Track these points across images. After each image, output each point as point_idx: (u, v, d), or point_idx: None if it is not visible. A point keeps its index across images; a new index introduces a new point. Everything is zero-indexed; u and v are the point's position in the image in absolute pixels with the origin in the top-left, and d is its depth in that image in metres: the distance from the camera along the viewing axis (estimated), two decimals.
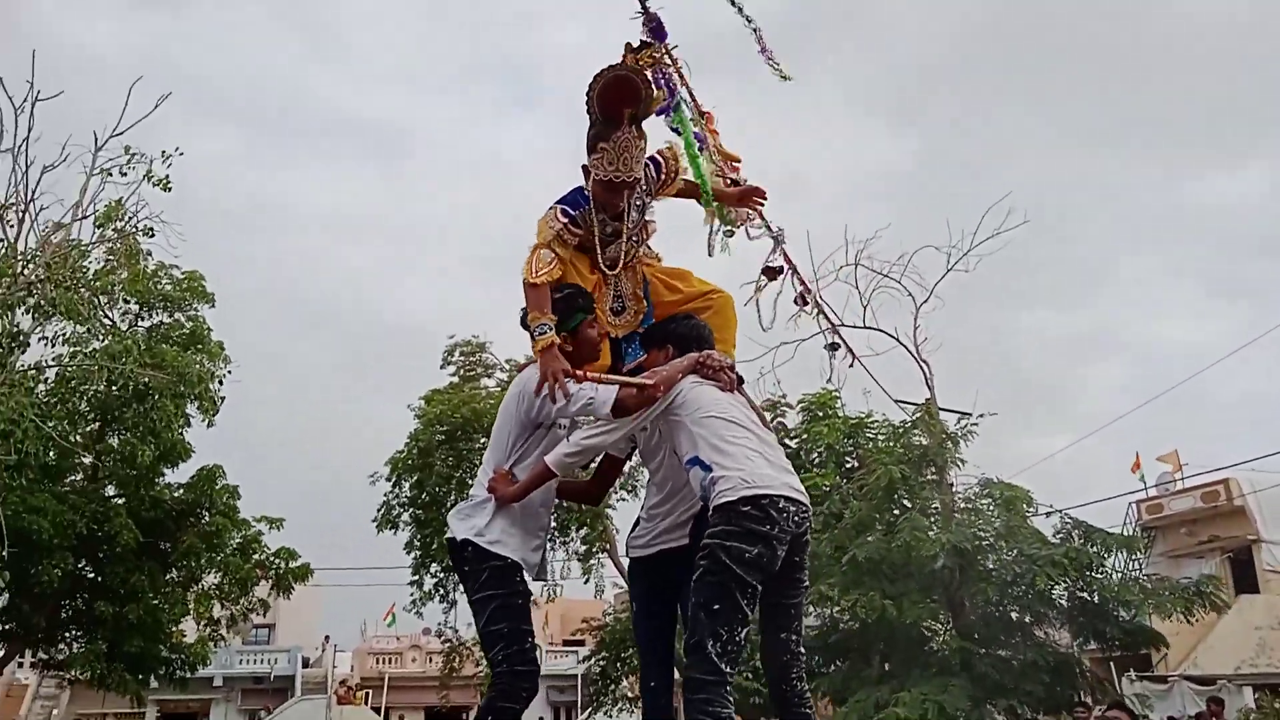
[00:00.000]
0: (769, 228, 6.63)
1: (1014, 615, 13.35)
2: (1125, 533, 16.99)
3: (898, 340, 15.53)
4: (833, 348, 7.50)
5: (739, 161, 4.80)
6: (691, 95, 4.59)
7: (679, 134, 4.09)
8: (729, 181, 4.36)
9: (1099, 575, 12.66)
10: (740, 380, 3.57)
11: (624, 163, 3.33)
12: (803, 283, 7.62)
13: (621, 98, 3.30)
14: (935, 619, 13.34)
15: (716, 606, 3.08)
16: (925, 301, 15.71)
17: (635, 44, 3.77)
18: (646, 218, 3.74)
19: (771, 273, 5.10)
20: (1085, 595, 12.84)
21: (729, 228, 5.25)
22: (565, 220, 3.45)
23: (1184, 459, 26.22)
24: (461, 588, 3.65)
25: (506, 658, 3.26)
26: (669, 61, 4.11)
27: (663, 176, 3.64)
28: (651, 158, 3.57)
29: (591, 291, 3.61)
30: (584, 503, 4.19)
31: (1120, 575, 13.44)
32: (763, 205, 4.27)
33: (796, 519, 3.21)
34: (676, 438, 3.34)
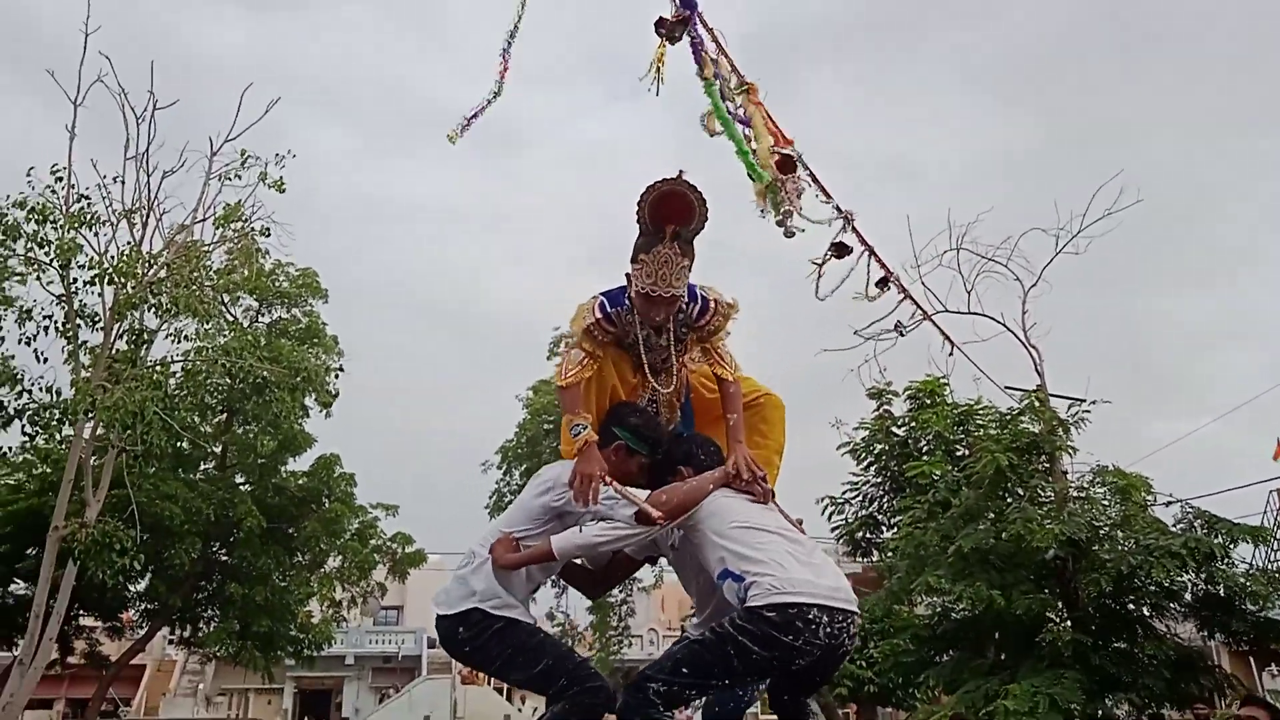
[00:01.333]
0: (837, 208, 6.48)
1: (1130, 607, 12.74)
2: (1265, 522, 16.01)
3: (1004, 326, 15.01)
4: (901, 332, 7.31)
5: (790, 142, 4.67)
6: (733, 66, 4.46)
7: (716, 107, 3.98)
8: (776, 158, 4.23)
9: (1223, 566, 11.95)
10: (771, 494, 3.39)
11: (661, 278, 3.19)
12: (883, 265, 7.44)
13: (670, 213, 3.20)
14: (1047, 610, 12.83)
15: (686, 670, 2.98)
16: (1033, 286, 15.15)
17: (667, 16, 3.72)
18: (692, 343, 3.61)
19: (841, 249, 4.98)
20: (1212, 588, 12.15)
21: (783, 210, 5.13)
22: (600, 316, 3.36)
23: None
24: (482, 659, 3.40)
25: (570, 679, 3.11)
26: (704, 30, 4.00)
27: (705, 320, 3.44)
28: (705, 298, 3.43)
29: (632, 393, 3.56)
30: (582, 592, 3.94)
31: (1247, 566, 12.65)
32: (796, 179, 4.06)
33: (830, 630, 2.95)
34: (703, 554, 3.17)
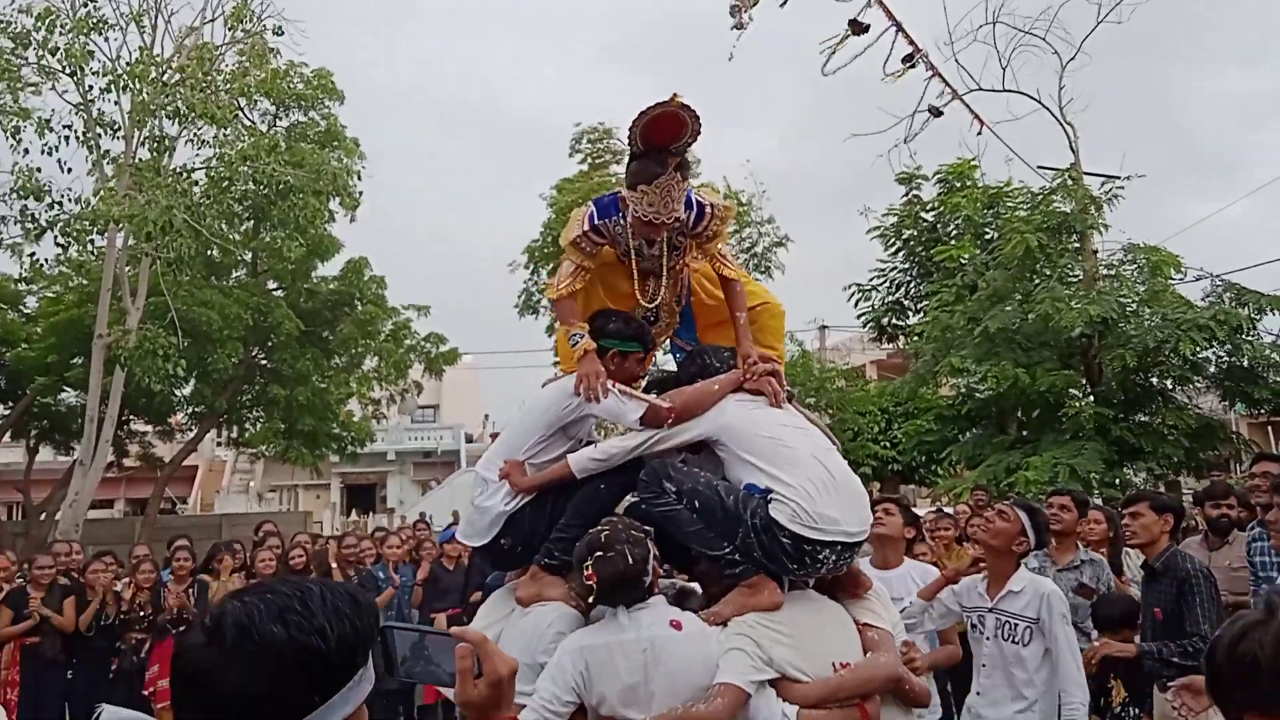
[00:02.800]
0: None
1: (1155, 381, 12.97)
2: None
3: (1040, 103, 14.57)
4: (936, 113, 7.14)
5: None
6: None
7: None
8: None
9: (1249, 338, 12.06)
10: (790, 395, 3.26)
11: (664, 205, 3.11)
12: (911, 41, 7.18)
13: (665, 134, 3.09)
14: (1072, 386, 13.10)
15: (698, 504, 2.90)
16: (1072, 59, 14.58)
17: None
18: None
19: (857, 27, 4.83)
20: (1233, 359, 12.31)
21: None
22: (588, 227, 3.27)
23: None
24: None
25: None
26: None
27: (703, 226, 3.32)
28: (701, 204, 3.29)
29: (626, 303, 3.44)
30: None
31: (1273, 338, 12.76)
32: None
33: (834, 563, 2.91)
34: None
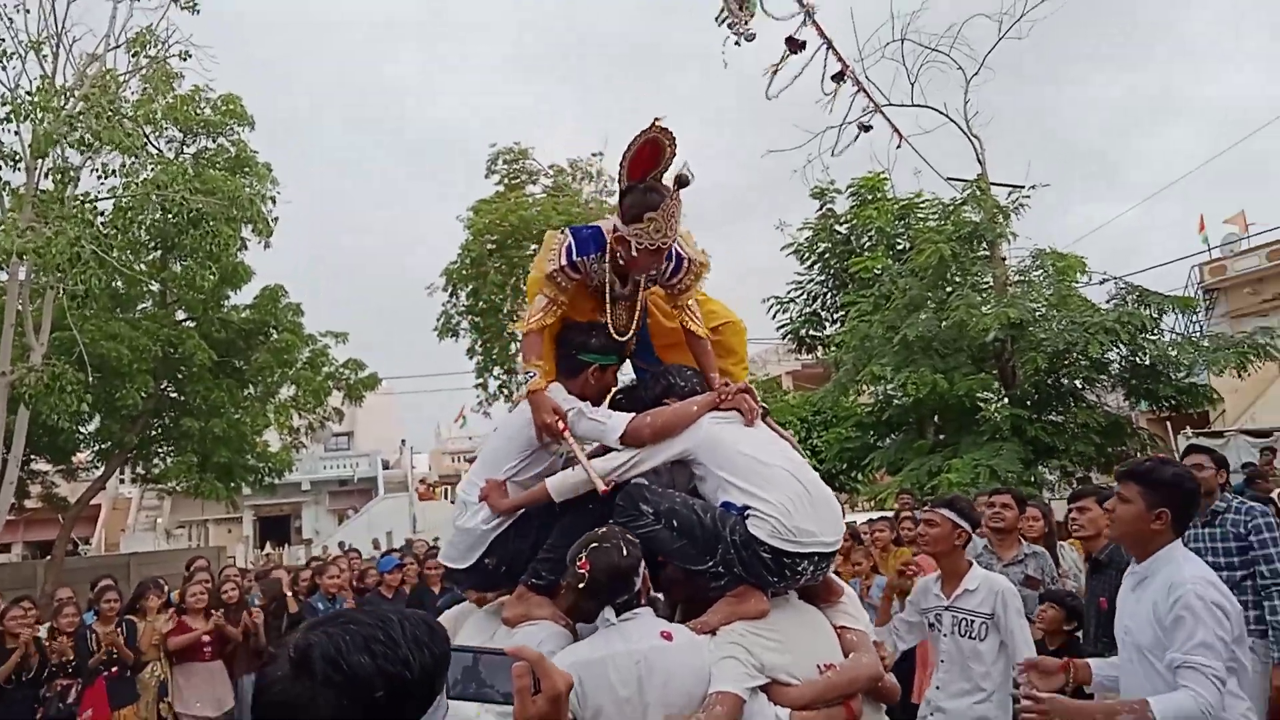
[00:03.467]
0: (799, 2, 6.35)
1: (1065, 381, 13.49)
2: (1185, 294, 16.80)
3: (947, 117, 15.11)
4: (865, 128, 7.35)
5: None
6: None
7: None
8: None
9: (1153, 338, 12.65)
10: (765, 411, 3.32)
11: (670, 227, 3.10)
12: (840, 59, 7.38)
13: (651, 161, 3.11)
14: (987, 390, 13.54)
15: (676, 524, 2.95)
16: (976, 74, 15.18)
17: None
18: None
19: (794, 45, 4.95)
20: (1137, 359, 12.89)
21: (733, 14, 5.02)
22: (565, 263, 3.24)
23: (1250, 220, 25.51)
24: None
25: None
26: None
27: (677, 279, 3.34)
28: (680, 256, 3.29)
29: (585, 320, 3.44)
30: None
31: (1174, 336, 13.40)
32: None
33: (811, 575, 3.00)
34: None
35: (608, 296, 3.32)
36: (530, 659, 1.54)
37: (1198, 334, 14.76)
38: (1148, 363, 12.69)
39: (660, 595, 3.17)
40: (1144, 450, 13.52)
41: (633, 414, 3.17)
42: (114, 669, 7.33)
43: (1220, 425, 19.66)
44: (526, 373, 3.27)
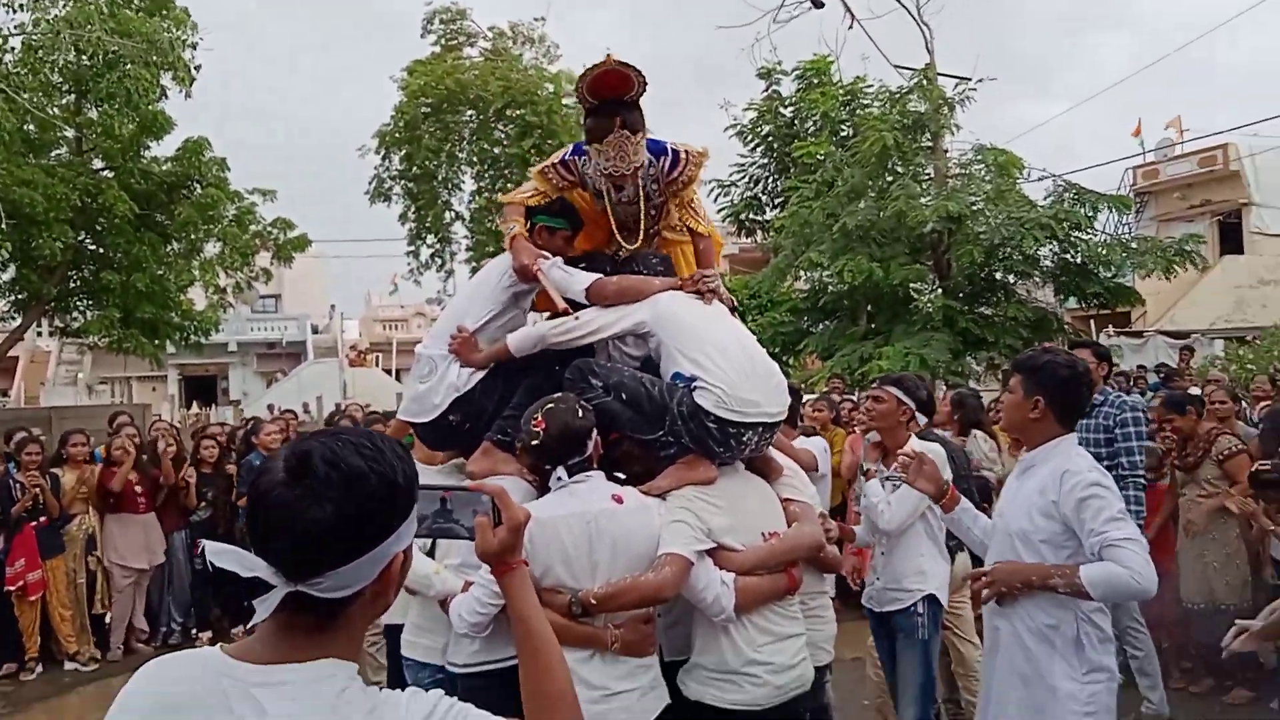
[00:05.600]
0: None
1: (998, 276, 13.75)
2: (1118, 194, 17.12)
3: (899, 2, 14.84)
4: (818, 4, 7.19)
5: None
6: None
7: None
8: None
9: (1086, 236, 12.90)
10: (733, 307, 3.41)
11: (620, 158, 3.20)
12: None
13: (606, 90, 3.15)
14: (922, 280, 13.74)
15: (625, 396, 3.00)
16: None
17: None
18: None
19: None
20: (1069, 256, 13.16)
21: None
22: (557, 161, 3.45)
23: (1186, 126, 25.88)
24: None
25: None
26: None
27: (676, 173, 3.37)
28: (675, 151, 3.35)
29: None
30: None
31: (1106, 236, 13.69)
32: None
33: (755, 445, 3.08)
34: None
35: (607, 205, 3.42)
36: (492, 491, 1.65)
37: (1127, 235, 15.09)
38: (1078, 260, 12.98)
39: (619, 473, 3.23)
40: (1068, 344, 13.96)
41: (596, 275, 3.23)
42: (42, 519, 7.24)
43: (1141, 325, 20.37)
44: (508, 227, 3.43)
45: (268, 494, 1.28)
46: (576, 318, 3.17)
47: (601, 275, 3.24)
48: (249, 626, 1.37)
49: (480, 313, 3.31)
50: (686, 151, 3.37)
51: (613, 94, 3.16)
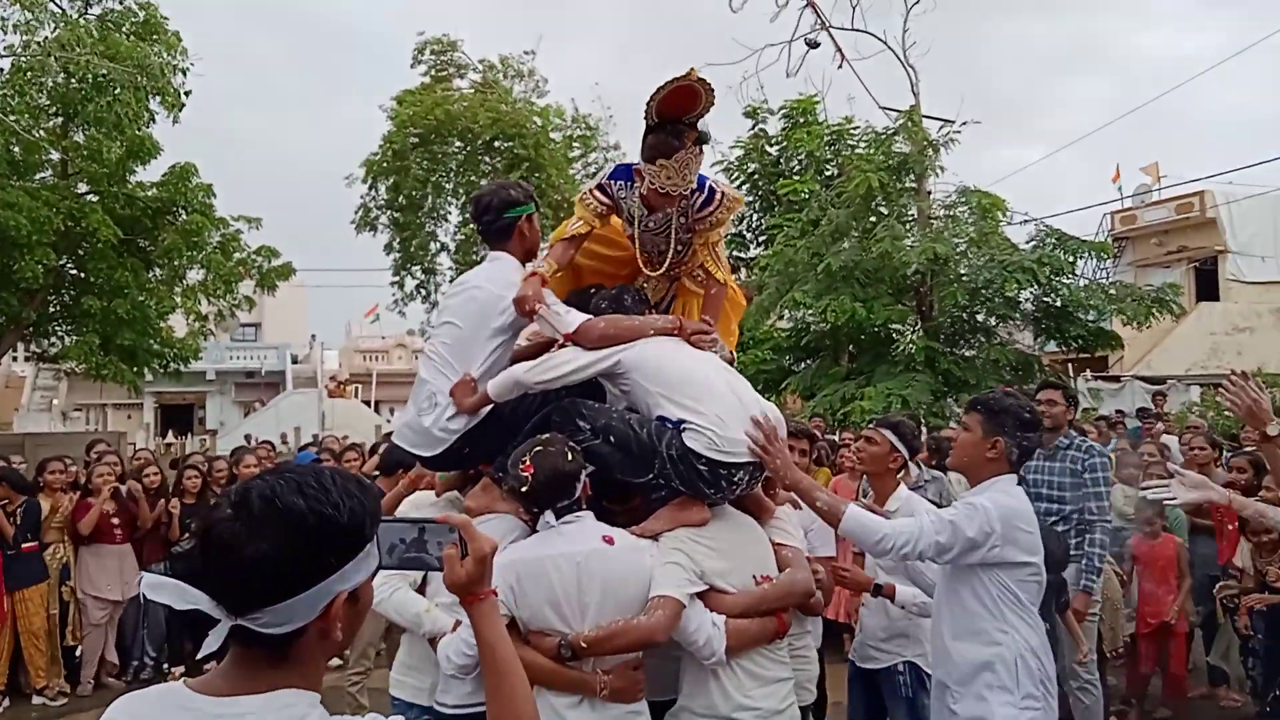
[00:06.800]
0: None
1: (980, 318, 13.85)
2: (1097, 239, 17.34)
3: (885, 44, 15.07)
4: (813, 44, 7.30)
5: None
6: None
7: None
8: None
9: (1067, 280, 13.03)
10: (731, 361, 3.37)
11: (682, 178, 3.14)
12: None
13: (681, 107, 3.07)
14: (904, 321, 13.82)
15: (614, 439, 2.96)
16: (918, 2, 15.14)
17: None
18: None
19: None
20: (1050, 300, 13.28)
21: None
22: (594, 186, 3.41)
23: (1163, 173, 26.30)
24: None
25: None
26: None
27: (709, 212, 3.31)
28: (713, 189, 3.30)
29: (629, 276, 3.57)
30: None
31: (1087, 281, 13.83)
32: None
33: (747, 484, 3.05)
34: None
35: (637, 232, 3.37)
36: (457, 523, 1.70)
37: (1106, 280, 15.26)
38: (1059, 304, 13.10)
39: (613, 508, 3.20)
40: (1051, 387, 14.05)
41: (586, 316, 3.18)
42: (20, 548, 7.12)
43: (1118, 370, 20.54)
44: (539, 263, 3.36)
45: (211, 529, 1.33)
46: (550, 358, 3.12)
47: (591, 318, 3.17)
48: (206, 661, 1.41)
49: (482, 357, 3.22)
50: (723, 193, 3.32)
51: (684, 111, 3.10)
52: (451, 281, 24.28)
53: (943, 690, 3.29)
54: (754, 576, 3.00)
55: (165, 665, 7.83)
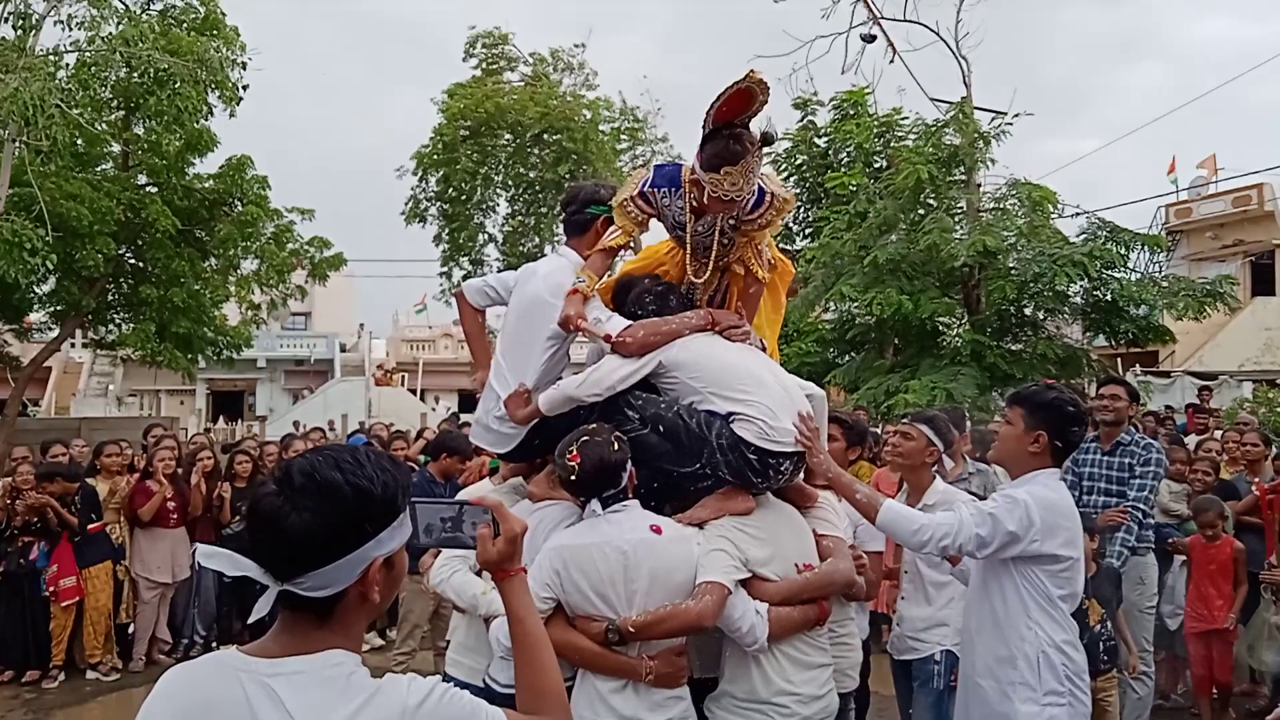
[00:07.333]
0: None
1: (1028, 312, 13.67)
2: (1151, 233, 17.05)
3: (937, 35, 14.90)
4: (868, 39, 7.27)
5: None
6: None
7: None
8: None
9: (1118, 274, 12.83)
10: (761, 349, 3.38)
11: (747, 182, 3.03)
12: None
13: (736, 110, 2.99)
14: (951, 314, 13.69)
15: (663, 429, 3.02)
16: None
17: None
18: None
19: None
20: (1100, 293, 13.08)
21: None
22: (635, 194, 3.29)
23: (1220, 165, 25.76)
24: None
25: None
26: None
27: (759, 213, 3.23)
28: (762, 190, 3.19)
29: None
30: None
31: (1139, 275, 13.60)
32: None
33: (791, 473, 3.12)
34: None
35: (687, 235, 3.32)
36: (490, 505, 1.82)
37: (1158, 274, 15.00)
38: (1109, 298, 12.90)
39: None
40: (1099, 382, 13.85)
41: (629, 322, 3.20)
42: (89, 528, 7.38)
43: (1169, 365, 20.18)
44: (579, 279, 3.27)
45: (259, 502, 1.46)
46: (596, 369, 3.15)
47: (630, 324, 3.17)
48: (254, 638, 1.57)
49: (538, 366, 3.28)
50: (773, 195, 3.22)
51: (741, 113, 3.00)
52: (499, 272, 24.48)
53: (967, 681, 3.34)
54: (796, 565, 3.05)
55: (214, 643, 8.06)
